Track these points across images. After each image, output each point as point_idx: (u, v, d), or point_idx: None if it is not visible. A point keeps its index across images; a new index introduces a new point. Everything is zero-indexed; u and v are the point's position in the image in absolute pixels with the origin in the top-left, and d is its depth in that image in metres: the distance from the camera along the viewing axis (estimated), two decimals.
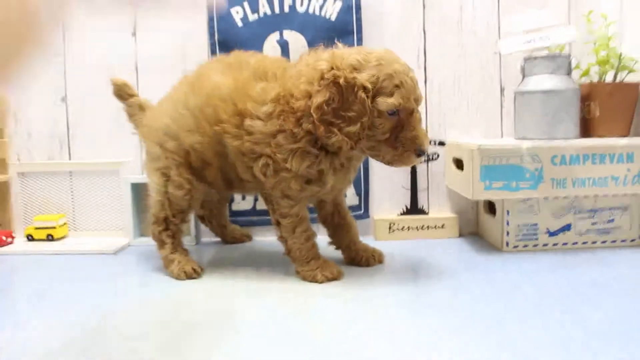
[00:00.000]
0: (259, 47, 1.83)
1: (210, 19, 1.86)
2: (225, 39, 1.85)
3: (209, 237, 1.93)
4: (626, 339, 1.00)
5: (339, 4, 1.81)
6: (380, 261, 1.57)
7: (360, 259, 1.56)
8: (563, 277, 1.37)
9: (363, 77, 1.23)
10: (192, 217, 1.85)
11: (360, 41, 1.82)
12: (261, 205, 1.90)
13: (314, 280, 1.40)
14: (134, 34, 1.91)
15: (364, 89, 1.23)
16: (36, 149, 1.96)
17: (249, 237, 1.90)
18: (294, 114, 1.29)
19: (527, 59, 1.70)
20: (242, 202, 1.91)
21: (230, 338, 1.06)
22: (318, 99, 1.24)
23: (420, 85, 1.81)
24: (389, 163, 1.31)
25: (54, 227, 1.90)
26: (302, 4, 1.82)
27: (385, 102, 1.24)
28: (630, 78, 1.70)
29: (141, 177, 1.89)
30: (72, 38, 1.92)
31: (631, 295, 1.24)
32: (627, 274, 1.40)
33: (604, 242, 1.67)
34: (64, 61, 1.93)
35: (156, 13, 1.83)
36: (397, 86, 1.24)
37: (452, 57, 1.86)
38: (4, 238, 1.88)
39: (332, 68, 1.25)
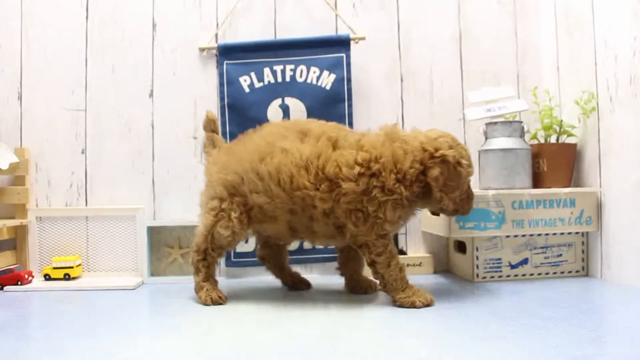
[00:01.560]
0: (264, 110, 2.16)
1: (221, 84, 2.17)
2: (234, 102, 2.16)
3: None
4: (568, 337, 1.33)
5: (332, 76, 2.16)
6: (375, 289, 1.87)
7: (360, 287, 1.86)
8: (523, 298, 1.71)
9: (458, 155, 1.62)
10: None
11: (350, 107, 2.17)
12: None
13: (412, 305, 1.60)
14: (151, 95, 2.20)
15: (461, 164, 1.61)
16: (55, 195, 2.18)
17: (307, 285, 1.98)
18: (395, 175, 1.58)
19: (488, 124, 2.07)
20: (245, 246, 2.17)
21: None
22: (435, 173, 1.58)
23: None
24: (453, 213, 1.71)
25: (72, 267, 2.09)
26: (301, 75, 2.16)
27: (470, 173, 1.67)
28: (569, 140, 2.10)
29: (155, 222, 2.14)
30: (93, 97, 2.20)
31: (573, 307, 1.58)
32: (571, 293, 1.75)
33: (554, 273, 2.02)
34: (85, 116, 2.19)
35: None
36: (469, 160, 1.66)
37: (425, 122, 2.23)
38: (25, 276, 2.05)
39: (436, 149, 1.60)
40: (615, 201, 1.92)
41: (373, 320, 1.51)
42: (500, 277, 2.00)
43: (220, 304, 1.71)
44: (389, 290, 1.66)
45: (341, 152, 1.62)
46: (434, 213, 1.83)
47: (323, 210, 1.62)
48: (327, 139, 1.64)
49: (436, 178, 1.58)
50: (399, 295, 1.64)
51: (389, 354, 1.19)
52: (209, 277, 1.77)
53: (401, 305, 1.62)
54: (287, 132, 1.69)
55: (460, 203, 1.68)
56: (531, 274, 2.01)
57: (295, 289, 1.95)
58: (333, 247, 2.02)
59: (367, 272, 1.84)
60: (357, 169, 1.58)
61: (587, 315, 1.49)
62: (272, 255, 1.96)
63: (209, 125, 1.89)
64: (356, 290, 1.86)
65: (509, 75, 2.28)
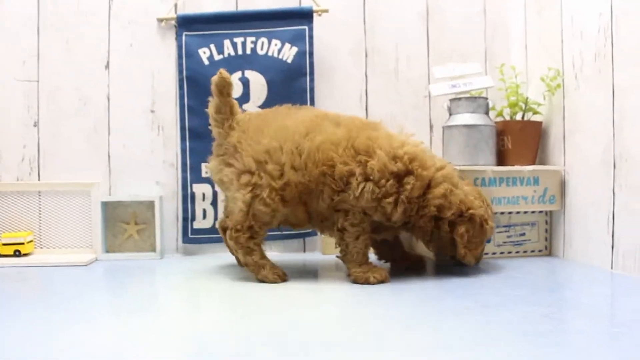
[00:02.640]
0: None
1: (179, 57, 2.10)
2: (193, 75, 2.10)
3: (171, 252, 2.13)
4: (523, 314, 1.30)
5: (294, 49, 2.10)
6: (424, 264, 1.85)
7: (414, 258, 1.85)
8: (483, 276, 1.67)
9: (486, 214, 1.66)
10: (157, 232, 2.04)
11: (312, 82, 2.11)
12: None
13: (366, 281, 1.58)
14: (107, 67, 2.13)
15: (488, 223, 1.66)
16: (6, 169, 2.11)
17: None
18: (421, 198, 1.59)
19: (452, 100, 2.03)
20: (202, 221, 2.11)
21: None
22: (461, 230, 1.61)
23: None
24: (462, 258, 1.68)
25: (22, 243, 2.02)
26: (262, 48, 2.10)
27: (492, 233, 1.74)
28: (535, 118, 2.07)
29: (110, 197, 2.07)
30: (45, 68, 2.12)
31: (532, 286, 1.56)
32: (532, 272, 1.72)
33: (517, 252, 1.99)
34: (37, 87, 2.11)
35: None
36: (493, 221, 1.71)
37: (390, 99, 2.18)
38: None
39: (468, 208, 1.63)
40: (579, 180, 1.89)
41: (327, 298, 1.47)
42: None
43: (285, 280, 1.63)
44: (347, 261, 1.64)
45: (380, 136, 1.63)
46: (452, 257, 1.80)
47: (340, 174, 1.58)
48: (361, 123, 1.67)
49: (462, 235, 1.61)
50: (355, 269, 1.61)
51: (342, 332, 1.15)
52: (264, 255, 1.67)
53: (355, 280, 1.60)
54: (321, 118, 1.68)
55: (479, 257, 1.73)
56: (494, 253, 1.97)
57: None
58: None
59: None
60: (398, 165, 1.57)
61: (546, 293, 1.46)
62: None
63: (226, 89, 1.71)
64: (410, 267, 1.82)
65: (477, 53, 2.24)
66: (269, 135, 1.64)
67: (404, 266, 1.81)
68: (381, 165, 1.56)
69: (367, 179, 1.56)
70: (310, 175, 1.60)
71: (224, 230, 1.83)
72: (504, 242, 1.99)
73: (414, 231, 1.67)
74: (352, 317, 1.26)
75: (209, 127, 1.77)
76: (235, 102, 1.75)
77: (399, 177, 1.57)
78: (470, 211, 1.61)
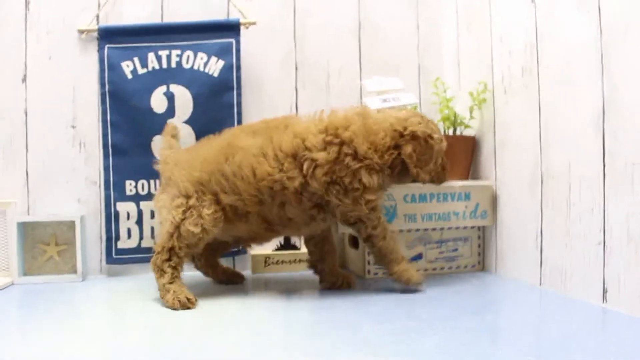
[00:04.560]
0: (147, 98, 2.02)
1: (101, 70, 2.02)
2: (115, 89, 2.02)
3: (95, 273, 2.04)
4: (436, 342, 1.26)
5: (221, 63, 2.04)
6: (354, 284, 1.81)
7: (341, 281, 1.79)
8: (408, 297, 1.63)
9: (429, 129, 1.66)
10: (78, 253, 1.95)
11: (239, 97, 2.05)
12: (146, 243, 2.03)
13: (410, 279, 1.66)
14: (24, 80, 2.03)
15: (432, 138, 1.65)
16: None
17: (240, 277, 1.94)
18: (368, 144, 1.61)
19: None
20: (127, 241, 2.03)
21: None
22: (408, 150, 1.62)
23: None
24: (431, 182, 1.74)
25: None
26: (187, 62, 2.03)
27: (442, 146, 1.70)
28: (468, 132, 2.04)
29: (28, 217, 1.97)
30: None
31: (456, 306, 1.54)
32: (461, 290, 1.70)
33: (450, 267, 1.96)
34: None
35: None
36: (440, 133, 1.72)
37: None
38: None
39: (405, 127, 1.64)
40: (509, 195, 1.87)
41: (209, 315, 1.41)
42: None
43: (188, 307, 1.55)
44: (386, 263, 1.68)
45: (297, 127, 1.63)
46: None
47: (295, 189, 1.60)
48: (275, 126, 1.66)
49: (409, 155, 1.62)
50: (395, 267, 1.67)
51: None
52: (175, 279, 1.61)
53: (398, 279, 1.67)
54: (242, 132, 1.70)
55: (436, 175, 1.72)
56: (425, 269, 1.94)
57: (229, 283, 1.91)
58: None
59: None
60: (322, 136, 1.59)
61: (467, 315, 1.43)
62: (204, 253, 1.86)
63: (169, 132, 1.89)
64: (337, 285, 1.79)
65: (410, 67, 2.21)
66: (198, 169, 1.67)
67: (329, 282, 1.79)
68: (321, 149, 1.59)
69: (331, 177, 1.59)
70: (247, 192, 1.61)
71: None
72: (437, 258, 1.95)
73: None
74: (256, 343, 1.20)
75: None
76: (176, 142, 1.89)
77: (342, 145, 1.60)
78: (409, 129, 1.63)
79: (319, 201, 1.63)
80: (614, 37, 1.43)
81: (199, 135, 2.03)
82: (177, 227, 1.61)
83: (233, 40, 2.05)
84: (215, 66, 2.04)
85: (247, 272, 2.03)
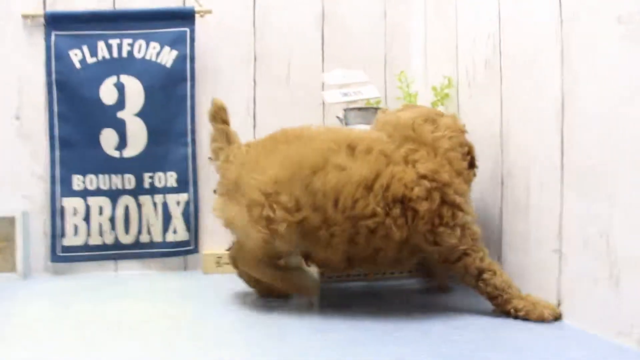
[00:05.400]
0: (96, 89, 1.94)
1: (48, 59, 1.93)
2: (63, 79, 1.93)
3: (39, 272, 1.96)
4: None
5: (174, 53, 1.95)
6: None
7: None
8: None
9: None
10: (18, 250, 1.87)
11: (193, 88, 1.97)
12: (94, 241, 1.95)
13: (542, 315, 1.35)
14: None
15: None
16: None
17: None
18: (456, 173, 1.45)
19: (346, 110, 1.90)
20: (73, 238, 1.94)
21: None
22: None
23: (249, 130, 1.97)
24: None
25: None
26: (139, 51, 1.95)
27: None
28: None
29: None
30: None
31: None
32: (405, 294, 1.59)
33: (401, 272, 1.85)
34: None
35: None
36: None
37: (280, 107, 2.04)
38: None
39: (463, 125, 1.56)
40: (473, 195, 1.75)
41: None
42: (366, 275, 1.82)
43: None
44: (507, 302, 1.39)
45: (397, 167, 1.41)
46: None
47: (400, 239, 1.40)
48: (380, 152, 1.42)
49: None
50: (520, 303, 1.38)
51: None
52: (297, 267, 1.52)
53: (527, 315, 1.36)
54: (336, 145, 1.44)
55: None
56: (384, 273, 1.83)
57: (270, 296, 1.64)
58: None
59: None
60: (425, 183, 1.40)
61: (403, 324, 1.33)
62: None
63: (219, 115, 1.57)
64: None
65: (376, 59, 2.12)
66: (275, 172, 1.42)
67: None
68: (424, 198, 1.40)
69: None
70: (337, 223, 1.39)
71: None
72: None
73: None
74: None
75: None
76: (233, 131, 1.57)
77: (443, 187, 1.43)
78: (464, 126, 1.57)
79: (416, 249, 1.45)
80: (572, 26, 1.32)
81: (151, 128, 1.95)
82: (267, 242, 1.42)
83: (187, 30, 1.96)
84: (168, 56, 1.96)
85: (199, 272, 1.95)
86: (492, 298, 1.41)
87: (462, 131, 1.53)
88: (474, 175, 1.56)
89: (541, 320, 1.34)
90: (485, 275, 1.40)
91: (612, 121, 1.21)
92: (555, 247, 1.39)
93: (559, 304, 1.37)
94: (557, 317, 1.35)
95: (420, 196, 1.38)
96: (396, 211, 1.38)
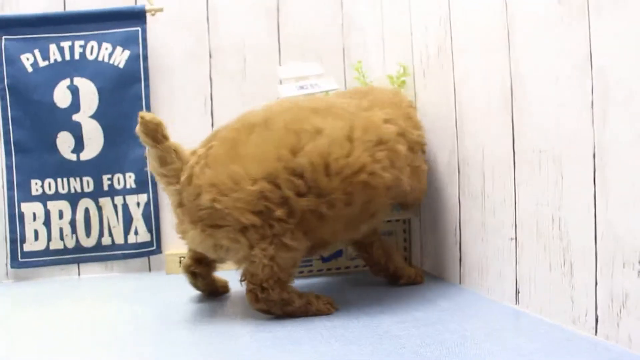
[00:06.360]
0: (50, 92, 1.91)
1: None
2: (15, 84, 1.90)
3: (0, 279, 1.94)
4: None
5: (127, 53, 1.92)
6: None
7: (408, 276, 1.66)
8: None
9: None
10: None
11: (147, 88, 1.94)
12: (55, 245, 1.93)
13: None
14: None
15: None
16: None
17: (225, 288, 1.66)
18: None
19: None
20: (34, 243, 1.92)
21: None
22: None
23: (207, 128, 1.95)
24: None
25: None
26: (92, 52, 1.92)
27: None
28: None
29: None
30: None
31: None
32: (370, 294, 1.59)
33: None
34: None
35: None
36: None
37: (238, 102, 2.00)
38: None
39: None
40: (431, 185, 1.73)
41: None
42: (311, 272, 1.80)
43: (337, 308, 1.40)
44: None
45: (364, 113, 1.45)
46: None
47: (386, 185, 1.39)
48: (342, 105, 1.45)
49: None
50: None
51: None
52: (299, 292, 1.39)
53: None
54: (302, 114, 1.38)
55: None
56: (347, 267, 1.82)
57: (215, 294, 1.62)
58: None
59: None
60: (391, 126, 1.45)
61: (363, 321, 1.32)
62: (205, 270, 1.57)
63: (159, 131, 1.33)
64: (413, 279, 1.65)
65: (334, 50, 2.08)
66: (252, 177, 1.30)
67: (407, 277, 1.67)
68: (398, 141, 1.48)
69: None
70: (337, 189, 1.33)
71: (192, 273, 1.57)
72: (358, 255, 1.83)
73: None
74: None
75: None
76: (179, 145, 1.38)
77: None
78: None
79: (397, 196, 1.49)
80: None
81: (107, 130, 1.93)
82: (273, 260, 1.31)
83: (139, 29, 1.93)
84: (120, 57, 1.93)
85: (161, 273, 1.93)
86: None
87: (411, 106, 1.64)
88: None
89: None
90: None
91: (556, 104, 1.19)
92: (511, 236, 1.38)
93: (517, 292, 1.36)
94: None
95: (395, 136, 1.44)
96: (380, 154, 1.37)
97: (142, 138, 1.32)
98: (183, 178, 1.34)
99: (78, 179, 1.93)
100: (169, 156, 1.35)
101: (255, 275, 1.32)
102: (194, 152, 1.38)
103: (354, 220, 1.42)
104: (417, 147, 1.55)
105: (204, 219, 1.31)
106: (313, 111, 1.39)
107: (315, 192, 1.32)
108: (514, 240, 1.37)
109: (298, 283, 1.64)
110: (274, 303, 1.33)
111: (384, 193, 1.40)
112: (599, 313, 1.10)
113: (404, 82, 1.80)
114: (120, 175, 1.95)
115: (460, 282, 1.60)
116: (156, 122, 1.31)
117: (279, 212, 1.29)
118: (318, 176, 1.31)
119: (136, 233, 1.95)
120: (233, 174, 1.30)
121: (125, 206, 1.95)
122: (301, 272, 1.78)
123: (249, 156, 1.32)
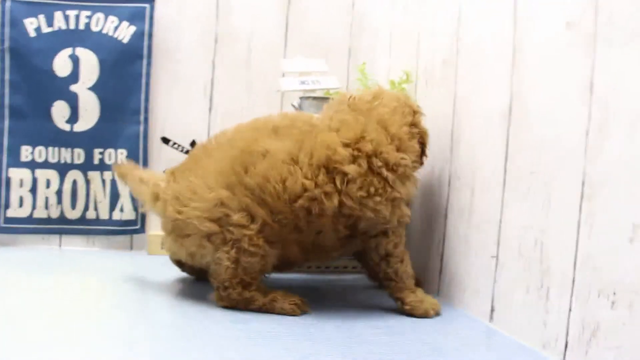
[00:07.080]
0: (50, 59, 1.89)
1: (2, 25, 1.89)
2: (16, 47, 1.89)
3: None
4: None
5: (132, 28, 1.91)
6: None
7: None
8: None
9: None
10: None
11: (149, 66, 1.94)
12: (39, 214, 1.92)
13: (427, 312, 1.41)
14: None
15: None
16: None
17: None
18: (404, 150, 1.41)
19: (302, 98, 1.86)
20: (18, 209, 1.91)
21: None
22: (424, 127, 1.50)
23: (204, 112, 1.94)
24: None
25: None
26: (97, 24, 1.91)
27: None
28: None
29: None
30: None
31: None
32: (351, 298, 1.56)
33: (354, 267, 1.83)
34: None
35: None
36: None
37: (238, 91, 2.00)
38: None
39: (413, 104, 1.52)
40: (423, 197, 1.74)
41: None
42: (309, 268, 1.79)
43: (305, 311, 1.40)
44: (399, 290, 1.43)
45: (321, 134, 1.38)
46: None
47: (332, 210, 1.35)
48: (305, 123, 1.42)
49: (427, 132, 1.52)
50: (410, 297, 1.43)
51: None
52: (266, 290, 1.42)
53: (412, 311, 1.42)
54: (259, 133, 1.42)
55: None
56: (327, 267, 1.82)
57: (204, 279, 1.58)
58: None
59: None
60: (349, 150, 1.36)
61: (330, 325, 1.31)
62: None
63: (135, 172, 1.57)
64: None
65: (340, 49, 2.07)
66: (211, 186, 1.37)
67: None
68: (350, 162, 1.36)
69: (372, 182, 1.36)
70: (281, 213, 1.36)
71: (178, 261, 1.65)
72: (339, 258, 1.83)
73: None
74: None
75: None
76: (144, 173, 1.57)
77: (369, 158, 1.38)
78: (416, 105, 1.54)
79: (352, 224, 1.40)
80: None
81: (104, 104, 1.92)
82: (237, 262, 1.35)
83: (147, 6, 1.93)
84: (125, 32, 1.92)
85: (143, 253, 1.93)
86: (387, 280, 1.44)
87: (414, 110, 1.48)
88: (421, 164, 1.52)
89: (425, 316, 1.40)
90: (392, 260, 1.42)
91: (552, 128, 1.19)
92: (493, 254, 1.38)
93: (492, 310, 1.36)
94: (438, 313, 1.43)
95: (345, 158, 1.35)
96: (322, 178, 1.34)
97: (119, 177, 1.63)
98: (147, 198, 1.48)
99: (69, 150, 1.92)
100: (136, 186, 1.53)
101: (218, 275, 1.38)
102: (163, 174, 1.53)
103: (307, 248, 1.44)
104: (400, 169, 1.39)
105: (174, 229, 1.42)
106: (273, 130, 1.42)
107: (267, 208, 1.36)
108: (495, 259, 1.37)
109: (290, 277, 1.65)
110: (237, 301, 1.38)
111: (332, 221, 1.38)
112: (569, 339, 1.10)
113: (403, 89, 1.80)
114: (112, 151, 1.94)
115: (438, 294, 1.60)
116: (130, 166, 1.61)
117: (237, 217, 1.34)
118: (265, 197, 1.35)
119: (121, 210, 1.94)
120: (192, 185, 1.39)
121: (113, 182, 1.93)
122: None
123: (209, 169, 1.39)
